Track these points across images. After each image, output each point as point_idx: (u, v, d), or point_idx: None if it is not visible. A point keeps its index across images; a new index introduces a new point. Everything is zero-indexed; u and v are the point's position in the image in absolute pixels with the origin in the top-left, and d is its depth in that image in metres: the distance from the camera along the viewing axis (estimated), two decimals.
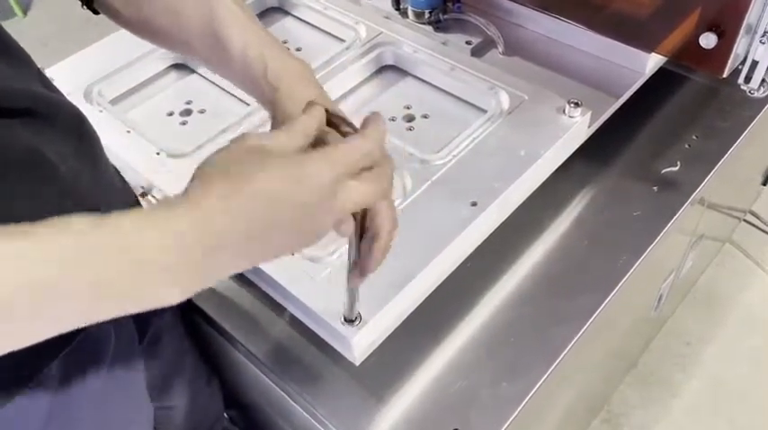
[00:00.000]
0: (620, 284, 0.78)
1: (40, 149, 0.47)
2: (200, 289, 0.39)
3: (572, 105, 0.77)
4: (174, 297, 0.38)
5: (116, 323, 0.45)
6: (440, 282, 0.70)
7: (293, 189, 0.39)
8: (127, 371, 0.61)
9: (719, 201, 1.16)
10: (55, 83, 0.61)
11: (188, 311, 0.79)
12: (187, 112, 0.88)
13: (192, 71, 0.94)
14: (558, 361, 0.71)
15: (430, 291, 0.69)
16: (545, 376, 0.70)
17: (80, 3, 0.57)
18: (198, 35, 0.53)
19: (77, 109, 0.55)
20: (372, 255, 0.48)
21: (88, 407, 0.56)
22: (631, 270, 0.79)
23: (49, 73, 0.89)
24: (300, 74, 0.52)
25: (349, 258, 0.51)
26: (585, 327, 0.74)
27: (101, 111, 0.85)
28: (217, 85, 0.91)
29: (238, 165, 0.39)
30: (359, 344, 0.62)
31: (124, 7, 0.56)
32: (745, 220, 1.64)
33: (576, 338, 0.73)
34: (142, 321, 0.66)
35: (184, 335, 0.81)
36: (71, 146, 0.52)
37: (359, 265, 0.50)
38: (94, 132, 0.58)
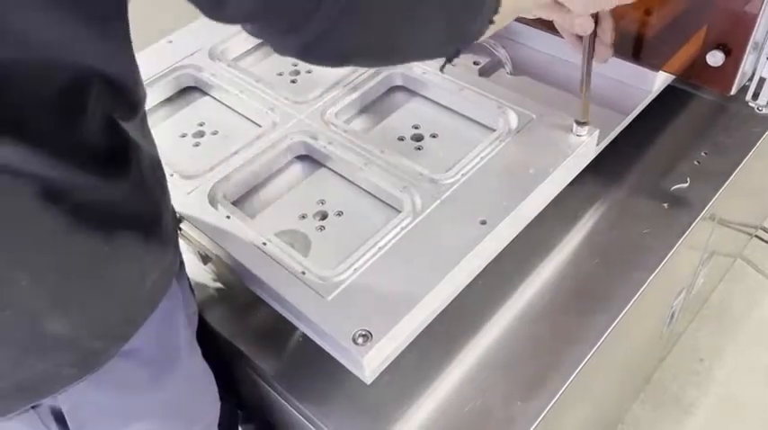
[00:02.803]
0: (632, 302, 0.78)
1: None
2: None
3: (579, 125, 0.78)
4: None
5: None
6: (450, 301, 0.70)
7: None
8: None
9: (730, 217, 1.16)
10: None
11: (202, 331, 0.79)
12: (200, 134, 0.90)
13: (205, 94, 0.96)
14: (571, 379, 0.71)
15: (440, 310, 0.69)
16: (559, 394, 0.70)
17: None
18: None
19: None
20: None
21: None
22: (643, 287, 0.79)
23: None
24: None
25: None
26: (598, 345, 0.74)
27: None
28: (229, 108, 0.93)
29: None
30: (370, 363, 0.62)
31: None
32: (756, 236, 1.63)
33: (588, 356, 0.73)
34: None
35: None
36: None
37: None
38: None
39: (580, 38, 0.72)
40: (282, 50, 0.45)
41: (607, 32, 0.72)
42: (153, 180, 0.51)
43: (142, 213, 0.50)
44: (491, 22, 0.52)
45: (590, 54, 0.74)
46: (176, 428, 0.62)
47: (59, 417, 0.51)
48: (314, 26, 0.41)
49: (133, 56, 0.47)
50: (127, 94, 0.48)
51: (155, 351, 0.54)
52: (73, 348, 0.47)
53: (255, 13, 0.41)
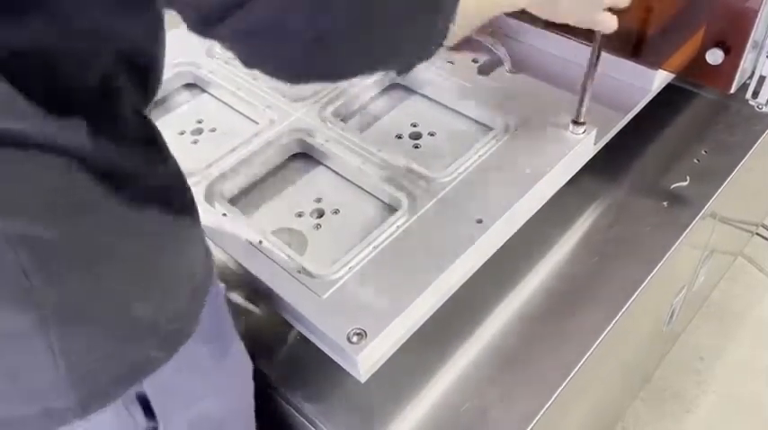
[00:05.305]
0: (631, 300, 0.78)
1: None
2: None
3: (575, 124, 0.78)
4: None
5: None
6: (446, 300, 0.70)
7: None
8: None
9: (730, 215, 1.15)
10: None
11: None
12: (198, 131, 0.90)
13: (204, 91, 0.96)
14: (570, 377, 0.71)
15: (435, 309, 0.69)
16: (557, 393, 0.70)
17: None
18: None
19: None
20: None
21: None
22: (643, 285, 0.79)
23: None
24: None
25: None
26: (597, 343, 0.74)
27: None
28: (227, 105, 0.93)
29: None
30: (364, 362, 0.62)
31: None
32: (757, 234, 1.62)
33: (588, 354, 0.73)
34: None
35: None
36: None
37: None
38: None
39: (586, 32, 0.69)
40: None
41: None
42: (176, 161, 0.52)
43: (185, 193, 0.52)
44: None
45: (598, 52, 0.72)
46: (232, 404, 0.64)
47: (143, 402, 0.52)
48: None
49: (164, 41, 0.48)
50: (152, 81, 0.49)
51: (211, 329, 0.55)
52: (156, 332, 0.48)
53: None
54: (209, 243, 0.72)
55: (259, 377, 0.75)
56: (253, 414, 0.68)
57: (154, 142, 0.49)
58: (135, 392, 0.51)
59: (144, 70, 0.47)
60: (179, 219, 0.50)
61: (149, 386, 0.51)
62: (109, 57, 0.43)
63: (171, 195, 0.50)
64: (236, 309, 0.79)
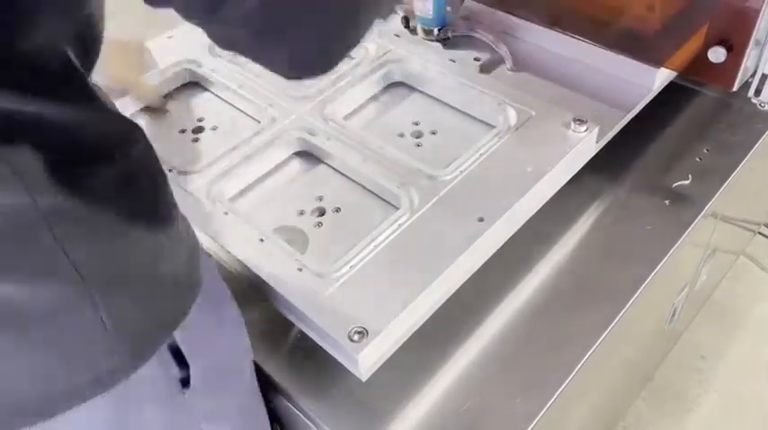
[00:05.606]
0: (633, 299, 0.77)
1: None
2: None
3: (577, 122, 0.78)
4: None
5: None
6: (447, 298, 0.70)
7: None
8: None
9: (732, 214, 1.15)
10: None
11: None
12: (199, 130, 0.90)
13: (205, 89, 0.96)
14: (571, 376, 0.71)
15: (437, 307, 0.69)
16: (559, 391, 0.70)
17: None
18: None
19: None
20: None
21: None
22: (644, 284, 0.79)
23: None
24: None
25: None
26: (599, 342, 0.74)
27: None
28: (229, 103, 0.93)
29: None
30: (365, 360, 0.62)
31: None
32: (759, 233, 1.62)
33: (589, 353, 0.73)
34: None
35: None
36: None
37: None
38: None
39: None
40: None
41: None
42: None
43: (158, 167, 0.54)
44: None
45: None
46: (243, 345, 0.66)
47: (174, 352, 0.55)
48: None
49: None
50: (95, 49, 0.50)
51: (210, 288, 0.59)
52: (178, 285, 0.53)
53: None
54: (209, 242, 0.72)
55: (260, 375, 0.75)
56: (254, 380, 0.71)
57: (123, 117, 0.50)
58: (167, 344, 0.54)
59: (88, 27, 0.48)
60: (164, 185, 0.53)
61: (179, 335, 0.54)
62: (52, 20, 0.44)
63: (147, 162, 0.52)
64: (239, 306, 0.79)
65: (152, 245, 0.50)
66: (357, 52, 0.96)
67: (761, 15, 0.74)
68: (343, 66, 0.93)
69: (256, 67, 0.88)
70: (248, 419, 0.71)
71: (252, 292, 0.72)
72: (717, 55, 0.78)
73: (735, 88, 0.81)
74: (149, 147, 0.51)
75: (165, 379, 0.55)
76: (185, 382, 0.57)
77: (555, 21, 0.90)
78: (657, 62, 0.85)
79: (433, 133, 0.85)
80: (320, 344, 0.66)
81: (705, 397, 1.41)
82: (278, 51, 0.42)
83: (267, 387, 0.75)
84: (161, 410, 0.57)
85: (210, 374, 0.60)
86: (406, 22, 0.98)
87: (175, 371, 0.56)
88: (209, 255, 0.69)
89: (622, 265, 0.81)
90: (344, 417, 0.69)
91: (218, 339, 0.62)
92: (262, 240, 0.71)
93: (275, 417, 0.83)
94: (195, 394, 0.58)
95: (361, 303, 0.64)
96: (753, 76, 0.81)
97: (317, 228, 0.75)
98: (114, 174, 0.47)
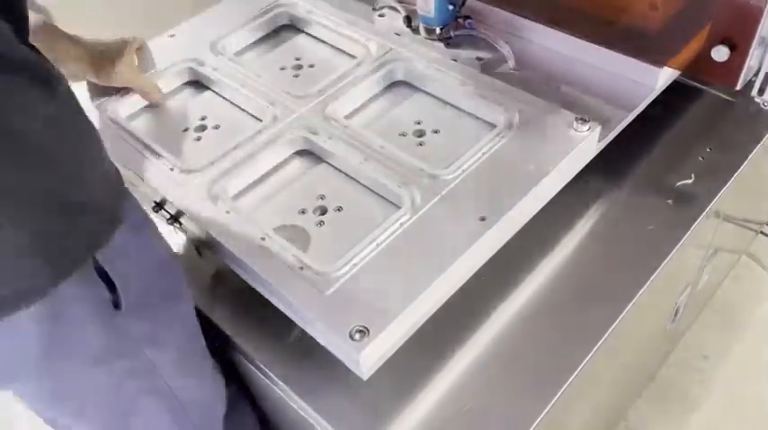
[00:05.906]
0: (635, 298, 0.77)
1: None
2: None
3: (579, 121, 0.77)
4: None
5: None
6: (449, 297, 0.70)
7: None
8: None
9: (735, 213, 1.15)
10: None
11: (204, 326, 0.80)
12: (201, 128, 0.90)
13: (207, 88, 0.96)
14: (574, 376, 0.71)
15: (438, 306, 0.69)
16: (561, 392, 0.70)
17: None
18: None
19: None
20: None
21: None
22: (647, 283, 0.79)
23: None
24: None
25: None
26: (601, 342, 0.74)
27: (117, 128, 0.87)
28: (231, 102, 0.93)
29: None
30: (366, 359, 0.62)
31: None
32: (762, 233, 1.62)
33: (591, 353, 0.73)
34: None
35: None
36: None
37: None
38: None
39: None
40: None
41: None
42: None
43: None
44: None
45: None
46: (169, 268, 0.68)
47: (102, 275, 0.58)
48: None
49: None
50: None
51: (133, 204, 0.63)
52: (96, 210, 0.55)
53: None
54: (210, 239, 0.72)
55: (262, 373, 0.75)
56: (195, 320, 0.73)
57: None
58: (95, 267, 0.56)
59: None
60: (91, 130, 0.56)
61: (101, 256, 0.56)
62: None
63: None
64: (241, 305, 0.79)
65: (73, 168, 0.52)
66: (359, 51, 0.95)
67: (765, 13, 0.73)
68: (346, 65, 0.93)
69: (258, 66, 0.89)
70: (193, 345, 0.73)
71: (253, 291, 0.72)
72: (720, 54, 0.78)
73: (738, 87, 0.81)
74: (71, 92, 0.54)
75: (93, 299, 0.58)
76: (118, 305, 0.60)
77: (557, 20, 0.90)
78: (660, 61, 0.84)
79: (435, 132, 0.85)
80: (321, 343, 0.66)
81: (707, 397, 1.41)
82: None
83: (267, 385, 0.75)
84: (95, 331, 0.59)
85: (141, 296, 0.62)
86: (408, 21, 0.98)
87: (105, 293, 0.58)
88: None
89: (625, 265, 0.80)
90: (345, 417, 0.69)
91: (141, 260, 0.63)
92: (263, 239, 0.70)
93: (275, 417, 0.83)
94: (128, 316, 0.61)
95: (363, 302, 0.64)
96: (756, 74, 0.81)
97: (319, 227, 0.75)
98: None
